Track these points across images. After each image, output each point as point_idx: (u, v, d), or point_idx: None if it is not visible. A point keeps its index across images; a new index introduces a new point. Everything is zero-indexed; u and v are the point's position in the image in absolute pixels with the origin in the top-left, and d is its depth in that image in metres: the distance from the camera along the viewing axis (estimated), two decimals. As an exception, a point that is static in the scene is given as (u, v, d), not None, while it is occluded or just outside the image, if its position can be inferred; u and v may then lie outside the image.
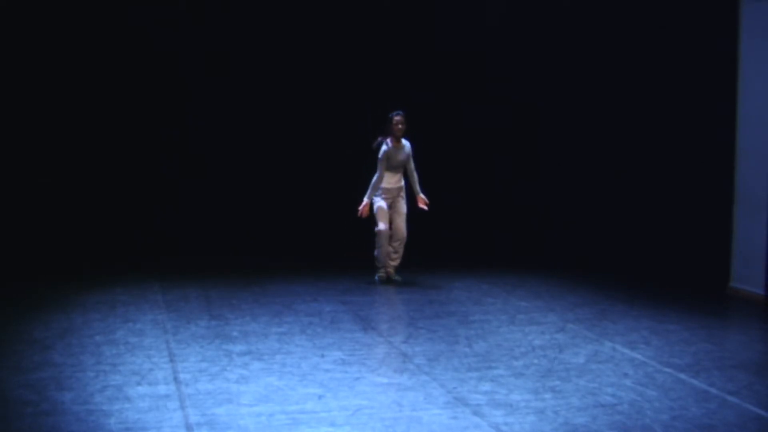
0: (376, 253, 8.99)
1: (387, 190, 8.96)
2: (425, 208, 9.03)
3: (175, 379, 5.62)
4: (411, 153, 9.05)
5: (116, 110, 11.32)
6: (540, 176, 12.06)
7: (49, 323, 7.02)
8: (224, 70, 11.65)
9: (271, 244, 11.20)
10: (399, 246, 8.99)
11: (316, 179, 11.78)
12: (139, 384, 5.51)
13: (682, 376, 5.93)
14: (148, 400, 5.22)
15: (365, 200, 8.86)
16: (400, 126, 8.86)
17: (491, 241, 11.78)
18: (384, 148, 8.91)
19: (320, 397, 5.35)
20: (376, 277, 9.03)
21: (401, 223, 8.99)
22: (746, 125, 8.57)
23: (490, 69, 12.41)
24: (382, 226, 8.88)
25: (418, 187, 9.07)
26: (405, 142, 9.01)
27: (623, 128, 10.63)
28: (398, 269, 9.09)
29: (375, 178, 8.91)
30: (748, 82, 8.53)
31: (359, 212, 8.86)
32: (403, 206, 9.03)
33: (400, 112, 8.92)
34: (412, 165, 9.08)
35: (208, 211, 11.54)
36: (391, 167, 8.95)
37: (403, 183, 9.09)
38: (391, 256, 9.00)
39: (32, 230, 10.57)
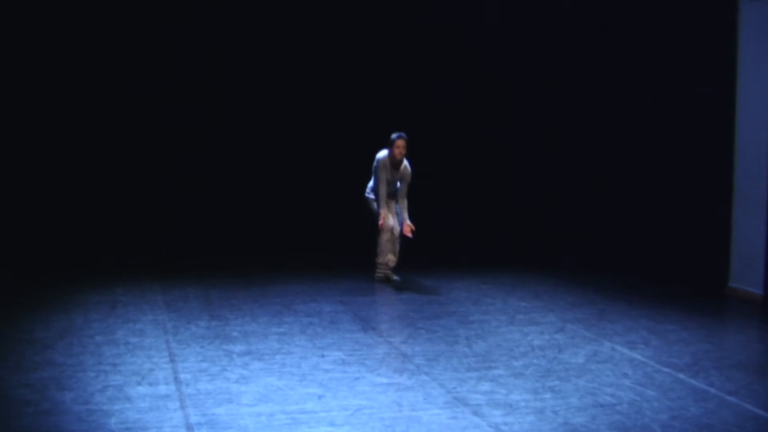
0: (378, 240, 9.00)
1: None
2: (410, 235, 8.89)
3: (176, 379, 5.63)
4: (408, 178, 8.91)
5: (115, 110, 11.33)
6: (539, 177, 12.08)
7: (49, 323, 7.04)
8: (224, 69, 11.67)
9: (271, 245, 11.21)
10: (394, 240, 8.99)
11: (316, 179, 11.79)
12: (139, 384, 5.53)
13: (681, 376, 5.95)
14: (149, 400, 5.24)
15: (381, 212, 8.86)
16: (400, 149, 8.77)
17: (490, 241, 11.79)
18: (379, 156, 8.86)
19: (320, 397, 5.37)
20: (376, 278, 9.05)
21: (392, 220, 8.97)
22: (745, 125, 8.59)
23: (491, 69, 12.44)
24: (390, 221, 8.88)
25: (405, 214, 8.89)
26: (406, 164, 8.90)
27: (622, 128, 10.65)
28: (396, 269, 9.09)
29: (374, 185, 8.89)
30: (747, 82, 8.54)
31: (380, 225, 8.85)
32: (393, 207, 9.00)
33: (403, 135, 8.79)
34: (404, 189, 8.92)
35: (209, 212, 11.55)
36: (385, 180, 8.91)
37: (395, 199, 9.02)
38: (389, 248, 8.98)
39: (33, 230, 10.59)
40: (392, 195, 9.00)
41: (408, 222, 8.89)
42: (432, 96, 12.19)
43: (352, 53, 11.97)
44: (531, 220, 11.97)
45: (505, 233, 11.92)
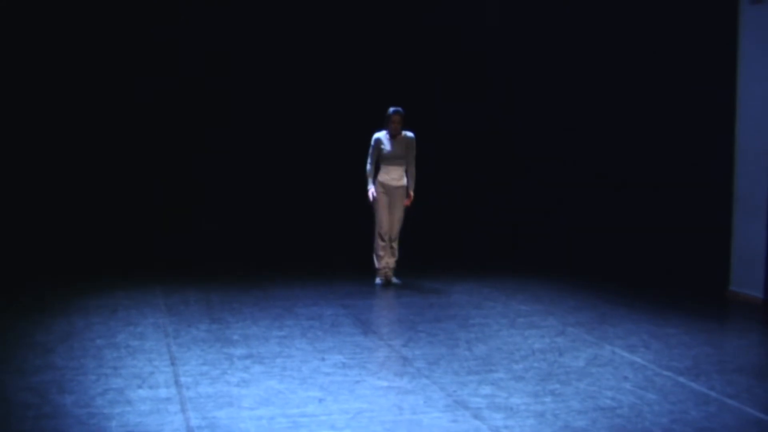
0: (374, 246, 9.02)
1: (383, 185, 8.94)
2: (407, 204, 8.99)
3: (176, 383, 5.63)
4: (413, 145, 8.93)
5: (115, 110, 11.33)
6: (540, 180, 12.07)
7: (50, 326, 7.04)
8: (224, 69, 11.67)
9: (272, 248, 11.21)
10: (392, 243, 9.00)
11: (316, 183, 11.79)
12: (140, 387, 5.53)
13: (682, 379, 5.95)
14: (149, 403, 5.24)
15: (370, 188, 8.90)
16: (395, 125, 8.82)
17: (490, 244, 11.79)
18: (375, 135, 8.92)
19: (321, 400, 5.37)
20: (377, 282, 9.04)
21: (395, 223, 8.98)
22: (745, 128, 8.59)
23: (490, 70, 12.43)
24: (382, 224, 8.90)
25: (412, 184, 8.96)
26: (406, 134, 8.92)
27: (623, 131, 10.65)
28: (397, 272, 9.10)
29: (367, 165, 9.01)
30: (748, 85, 8.54)
31: (371, 199, 8.90)
32: (399, 208, 8.96)
33: (400, 111, 8.83)
34: (411, 157, 8.94)
35: (209, 213, 11.55)
36: (386, 159, 8.91)
37: (404, 182, 8.95)
38: (388, 253, 8.99)
39: (34, 234, 10.59)
40: (401, 175, 8.93)
41: (410, 192, 8.96)
42: (432, 96, 12.18)
43: (352, 53, 11.97)
44: (531, 223, 11.96)
45: (505, 236, 11.91)
